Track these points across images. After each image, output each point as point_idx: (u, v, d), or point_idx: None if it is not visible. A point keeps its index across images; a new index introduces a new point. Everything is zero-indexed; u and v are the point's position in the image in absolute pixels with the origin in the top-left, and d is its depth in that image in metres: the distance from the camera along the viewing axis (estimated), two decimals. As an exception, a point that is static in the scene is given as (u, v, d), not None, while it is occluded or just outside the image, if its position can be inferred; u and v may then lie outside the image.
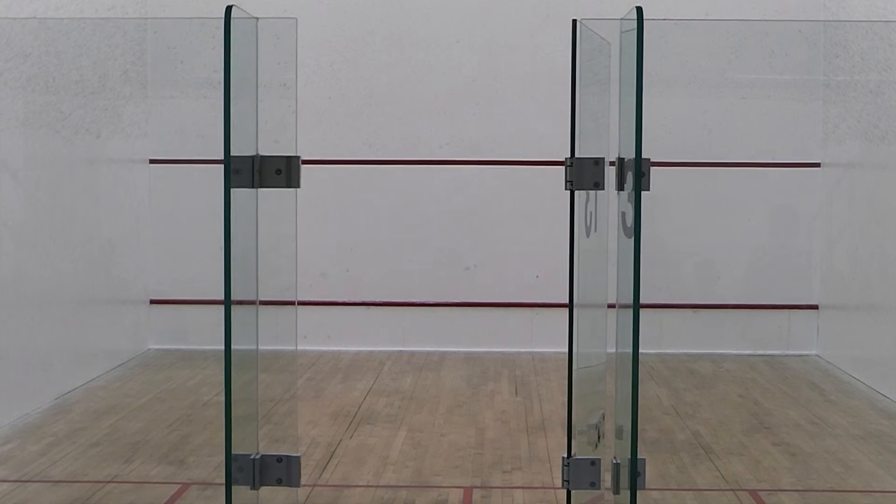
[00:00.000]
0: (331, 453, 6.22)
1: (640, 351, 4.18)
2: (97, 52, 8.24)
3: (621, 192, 4.43)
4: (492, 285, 9.47)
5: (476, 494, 5.51)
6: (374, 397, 7.68)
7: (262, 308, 4.55)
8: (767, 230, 9.40)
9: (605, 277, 4.69)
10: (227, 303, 4.29)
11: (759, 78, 9.31)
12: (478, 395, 7.78)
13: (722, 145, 9.32)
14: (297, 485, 4.64)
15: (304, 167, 4.47)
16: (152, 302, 9.42)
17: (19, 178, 7.05)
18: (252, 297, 4.51)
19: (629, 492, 4.30)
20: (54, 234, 7.55)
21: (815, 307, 9.34)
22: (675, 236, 9.32)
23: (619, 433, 4.57)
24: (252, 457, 4.51)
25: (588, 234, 4.76)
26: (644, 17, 4.08)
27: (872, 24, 8.18)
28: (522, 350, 9.40)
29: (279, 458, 4.57)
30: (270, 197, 4.47)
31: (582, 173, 4.64)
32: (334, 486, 5.64)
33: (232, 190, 4.30)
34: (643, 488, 4.39)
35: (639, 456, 4.27)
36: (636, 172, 4.14)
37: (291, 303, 4.93)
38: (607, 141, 4.65)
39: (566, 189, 4.72)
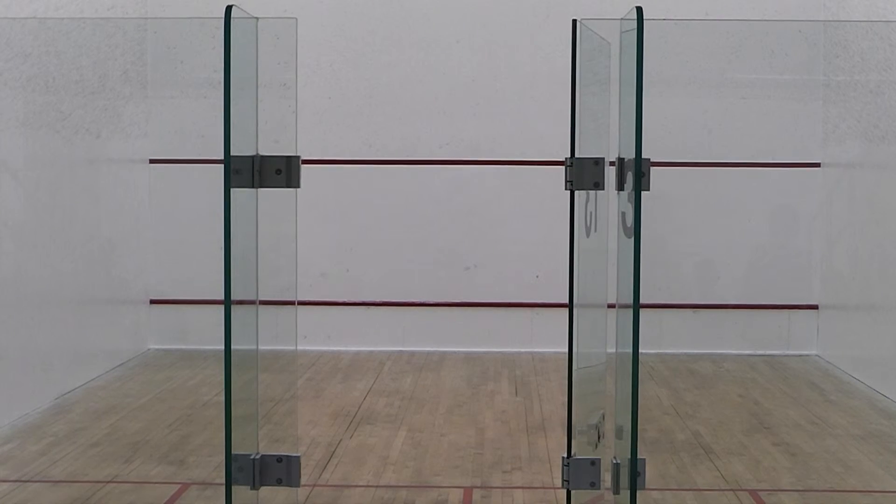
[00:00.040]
0: (331, 453, 6.22)
1: (640, 351, 4.18)
2: (97, 52, 8.24)
3: (621, 192, 4.43)
4: (492, 285, 9.47)
5: (476, 494, 5.51)
6: (374, 397, 7.68)
7: (262, 308, 4.55)
8: (767, 230, 9.40)
9: (605, 277, 4.69)
10: (227, 303, 4.29)
11: (759, 78, 9.31)
12: (478, 395, 7.78)
13: (722, 145, 9.32)
14: (297, 485, 4.64)
15: (304, 167, 4.47)
16: (152, 302, 9.42)
17: (19, 178, 7.05)
18: (252, 297, 4.51)
19: (629, 492, 4.30)
20: (54, 234, 7.55)
21: (815, 307, 9.34)
22: (675, 236, 9.32)
23: (619, 433, 4.57)
24: (252, 457, 4.50)
25: (588, 234, 4.76)
26: (644, 17, 4.08)
27: (872, 24, 8.19)
28: (522, 350, 9.40)
29: (279, 458, 4.57)
30: (270, 197, 4.47)
31: (582, 173, 4.64)
32: (334, 486, 5.64)
33: (232, 190, 4.30)
34: (643, 488, 4.39)
35: (639, 456, 4.27)
36: (636, 172, 4.14)
37: (291, 303, 4.93)
38: (607, 141, 4.65)
39: (566, 189, 4.72)
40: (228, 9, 4.17)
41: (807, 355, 9.28)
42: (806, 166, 9.29)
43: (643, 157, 4.14)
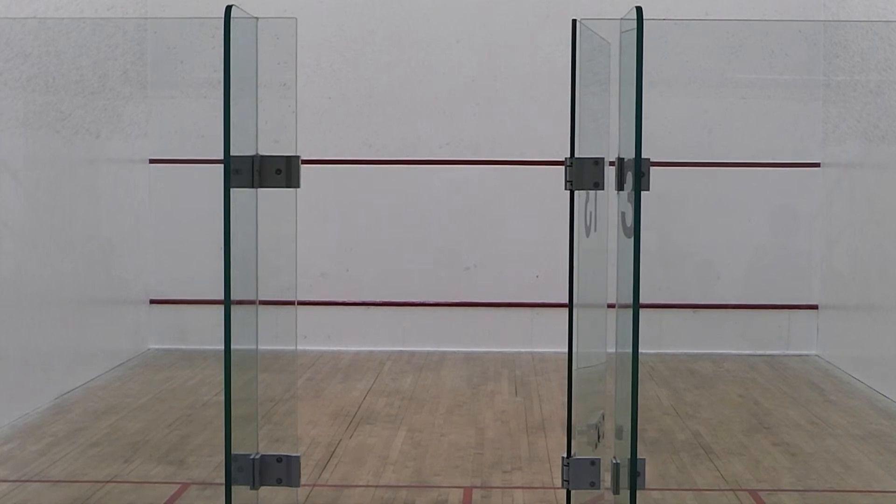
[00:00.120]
0: (331, 453, 6.22)
1: (640, 351, 4.18)
2: (97, 52, 8.24)
3: (621, 192, 4.43)
4: (492, 285, 9.47)
5: (476, 494, 5.51)
6: (373, 397, 7.68)
7: (262, 308, 4.55)
8: (767, 230, 9.40)
9: (604, 277, 4.68)
10: (227, 303, 4.29)
11: (759, 78, 9.31)
12: (478, 395, 7.78)
13: (722, 145, 9.32)
14: (297, 485, 4.64)
15: (304, 167, 4.47)
16: (152, 302, 9.42)
17: (19, 178, 7.05)
18: (252, 297, 4.51)
19: (629, 492, 4.30)
20: (54, 234, 7.55)
21: (814, 307, 9.34)
22: (675, 236, 9.32)
23: (618, 433, 4.57)
24: (252, 457, 4.51)
25: (588, 234, 4.76)
26: (644, 17, 4.08)
27: (872, 24, 8.18)
28: (522, 350, 9.40)
29: (279, 458, 4.57)
30: (270, 197, 4.47)
31: (582, 173, 4.64)
32: (334, 486, 5.64)
33: (232, 190, 4.30)
34: (643, 488, 4.39)
35: (639, 456, 4.27)
36: (636, 172, 4.14)
37: (291, 303, 4.93)
38: (607, 141, 4.65)
39: (566, 189, 4.72)
40: (228, 9, 4.17)
41: (807, 355, 9.28)
42: (806, 166, 9.29)
43: (643, 156, 4.14)
